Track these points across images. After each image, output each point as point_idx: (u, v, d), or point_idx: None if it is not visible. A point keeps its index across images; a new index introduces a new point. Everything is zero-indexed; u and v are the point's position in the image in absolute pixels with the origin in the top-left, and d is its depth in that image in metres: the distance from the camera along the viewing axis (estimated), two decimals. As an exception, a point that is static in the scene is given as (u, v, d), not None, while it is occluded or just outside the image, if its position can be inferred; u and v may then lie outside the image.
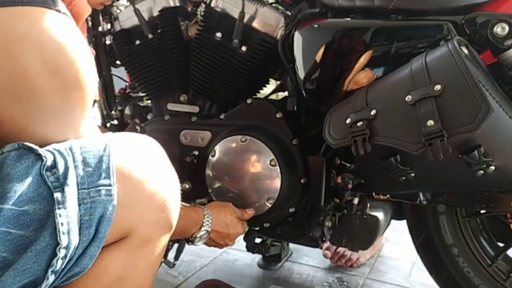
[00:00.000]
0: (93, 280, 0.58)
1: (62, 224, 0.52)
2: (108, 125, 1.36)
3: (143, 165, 0.60)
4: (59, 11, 0.57)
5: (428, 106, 0.78)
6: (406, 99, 0.81)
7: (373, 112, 0.85)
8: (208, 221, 0.99)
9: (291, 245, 1.58)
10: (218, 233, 1.02)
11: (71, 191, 0.53)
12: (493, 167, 0.80)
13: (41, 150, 0.53)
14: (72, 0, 0.62)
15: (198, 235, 0.98)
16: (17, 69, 0.54)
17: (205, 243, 1.04)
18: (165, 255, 1.21)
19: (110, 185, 0.55)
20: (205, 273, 1.46)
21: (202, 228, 0.98)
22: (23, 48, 0.54)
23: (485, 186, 0.91)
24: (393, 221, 1.25)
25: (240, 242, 1.39)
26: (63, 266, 0.54)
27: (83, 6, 0.65)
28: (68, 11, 0.60)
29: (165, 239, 0.65)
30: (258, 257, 1.53)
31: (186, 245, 1.26)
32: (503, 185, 0.91)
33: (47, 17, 0.55)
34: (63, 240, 0.52)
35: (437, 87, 0.78)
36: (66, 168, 0.54)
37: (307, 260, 1.56)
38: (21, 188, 0.51)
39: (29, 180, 0.52)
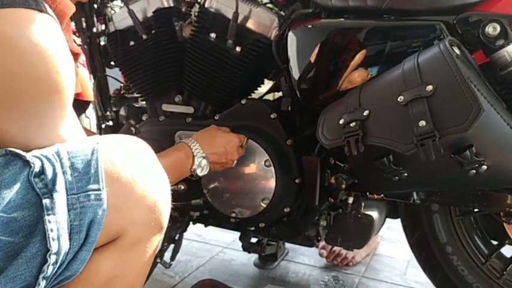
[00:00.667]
0: (84, 283, 0.58)
1: (51, 230, 0.52)
2: (103, 126, 1.36)
3: (132, 167, 0.60)
4: (41, 10, 0.57)
5: (420, 106, 0.79)
6: (398, 99, 0.81)
7: (365, 113, 0.86)
8: (197, 148, 0.98)
9: (287, 244, 1.59)
10: (215, 154, 1.01)
11: (60, 196, 0.53)
12: (485, 167, 0.81)
13: (29, 157, 0.53)
14: (54, 0, 0.62)
15: (197, 165, 0.97)
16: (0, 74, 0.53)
17: (213, 169, 1.02)
18: (161, 256, 1.22)
19: (99, 189, 0.55)
20: (202, 273, 1.46)
21: (196, 158, 0.97)
22: (3, 52, 0.53)
23: (478, 185, 0.92)
24: (388, 220, 1.26)
25: (236, 242, 1.39)
26: (54, 272, 0.54)
27: (66, 5, 0.64)
28: (51, 10, 0.59)
29: (156, 240, 0.65)
30: (254, 257, 1.54)
31: (182, 245, 1.27)
32: (496, 184, 0.92)
33: (28, 18, 0.55)
34: (53, 246, 0.52)
35: (429, 87, 0.79)
36: (55, 174, 0.53)
37: (303, 259, 1.57)
38: (9, 194, 0.51)
39: (17, 186, 0.51)
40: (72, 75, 0.60)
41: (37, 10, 0.56)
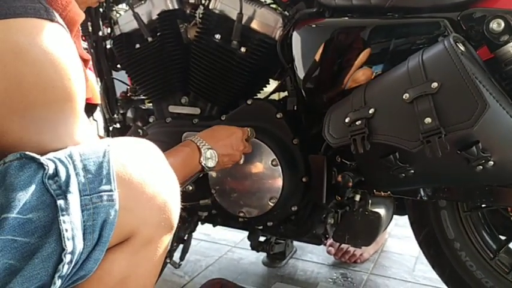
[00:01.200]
0: (98, 282, 0.60)
1: (66, 230, 0.53)
2: (110, 128, 1.37)
3: (142, 168, 0.61)
4: (52, 20, 0.58)
5: (425, 104, 0.79)
6: (404, 97, 0.82)
7: (371, 111, 0.86)
8: (202, 142, 0.98)
9: (295, 243, 1.59)
10: (220, 146, 1.01)
11: (74, 197, 0.54)
12: (491, 162, 0.81)
13: (43, 159, 0.55)
14: (65, 7, 0.63)
15: (204, 157, 0.97)
16: (12, 82, 0.54)
17: (222, 162, 1.01)
18: (171, 256, 1.23)
19: (111, 190, 0.57)
20: (211, 273, 1.47)
21: (203, 150, 0.97)
22: (16, 60, 0.54)
23: (485, 181, 0.92)
24: (396, 216, 1.26)
25: (245, 241, 1.40)
26: (69, 271, 0.55)
27: (76, 12, 0.65)
28: (62, 19, 0.60)
29: (166, 239, 0.66)
30: (262, 255, 1.55)
31: (191, 245, 1.28)
32: (503, 180, 0.92)
33: (39, 28, 0.56)
34: (68, 245, 0.53)
35: (434, 84, 0.79)
36: (68, 176, 0.55)
37: (311, 257, 1.57)
38: (24, 196, 0.52)
39: (32, 188, 0.53)
40: (83, 82, 0.62)
41: (48, 20, 0.57)
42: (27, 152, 0.55)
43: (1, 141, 0.56)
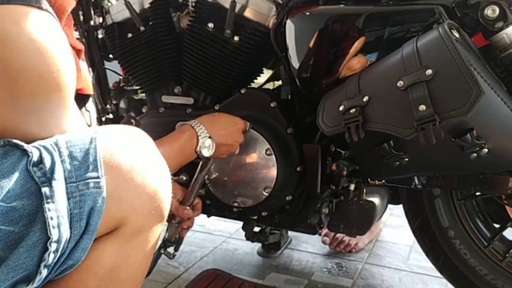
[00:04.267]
0: (87, 272, 0.59)
1: (51, 218, 0.52)
2: (103, 119, 1.36)
3: (131, 155, 0.60)
4: (40, 8, 0.57)
5: (419, 91, 0.79)
6: (398, 84, 0.81)
7: (365, 99, 0.86)
8: (201, 129, 0.97)
9: (290, 233, 1.60)
10: (220, 135, 0.99)
11: (59, 185, 0.53)
12: (486, 150, 0.81)
13: (27, 146, 0.54)
14: None
15: (201, 146, 0.96)
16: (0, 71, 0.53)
17: (218, 152, 1.00)
18: (165, 247, 1.22)
19: (98, 177, 0.55)
20: (206, 263, 1.47)
21: (200, 138, 0.96)
22: (3, 48, 0.53)
23: (479, 168, 0.92)
24: (391, 206, 1.27)
25: (239, 232, 1.39)
26: (55, 260, 0.54)
27: (66, 0, 0.64)
28: (50, 7, 0.59)
29: (157, 229, 0.65)
30: (257, 246, 1.55)
31: (186, 236, 1.27)
32: (497, 167, 0.91)
33: (27, 16, 0.55)
34: (54, 234, 0.52)
35: (429, 71, 0.78)
36: (53, 163, 0.54)
37: (306, 246, 1.58)
38: (8, 184, 0.51)
39: (15, 176, 0.52)
40: (73, 72, 0.60)
41: (37, 8, 0.56)
42: (11, 139, 0.54)
43: None
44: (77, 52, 0.75)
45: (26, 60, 0.54)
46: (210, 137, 0.97)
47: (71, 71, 0.60)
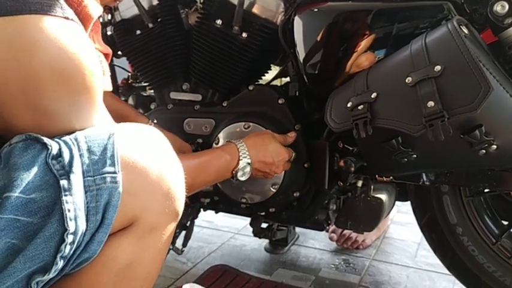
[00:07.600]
0: (102, 267, 0.60)
1: (68, 210, 0.53)
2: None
3: (147, 154, 0.61)
4: (66, 17, 0.58)
5: (428, 87, 0.79)
6: (406, 81, 0.81)
7: (373, 95, 0.86)
8: (244, 153, 0.96)
9: (297, 229, 1.60)
10: (261, 163, 0.99)
11: (77, 178, 0.55)
12: (494, 146, 0.81)
13: (47, 140, 0.55)
14: (81, 3, 0.63)
15: (239, 168, 0.96)
16: (27, 78, 0.55)
17: (253, 175, 1.00)
18: (173, 242, 1.23)
19: (115, 172, 0.57)
20: (214, 259, 1.48)
21: (241, 162, 0.96)
22: (31, 56, 0.55)
23: (488, 165, 0.92)
24: (398, 203, 1.27)
25: (247, 228, 1.40)
26: (71, 252, 0.55)
27: (92, 8, 0.65)
28: (76, 16, 0.61)
29: (171, 227, 0.66)
30: (265, 242, 1.55)
31: (193, 232, 1.28)
32: (506, 164, 0.91)
33: (54, 25, 0.56)
34: (71, 226, 0.54)
35: (437, 68, 0.78)
36: (72, 157, 0.55)
37: (313, 243, 1.58)
38: (28, 176, 0.53)
39: (35, 168, 0.53)
40: (100, 76, 0.62)
41: (63, 18, 0.58)
42: (32, 133, 0.55)
43: (13, 133, 0.57)
44: (105, 56, 0.77)
45: (54, 67, 0.56)
46: (250, 164, 0.97)
47: (98, 74, 0.61)
